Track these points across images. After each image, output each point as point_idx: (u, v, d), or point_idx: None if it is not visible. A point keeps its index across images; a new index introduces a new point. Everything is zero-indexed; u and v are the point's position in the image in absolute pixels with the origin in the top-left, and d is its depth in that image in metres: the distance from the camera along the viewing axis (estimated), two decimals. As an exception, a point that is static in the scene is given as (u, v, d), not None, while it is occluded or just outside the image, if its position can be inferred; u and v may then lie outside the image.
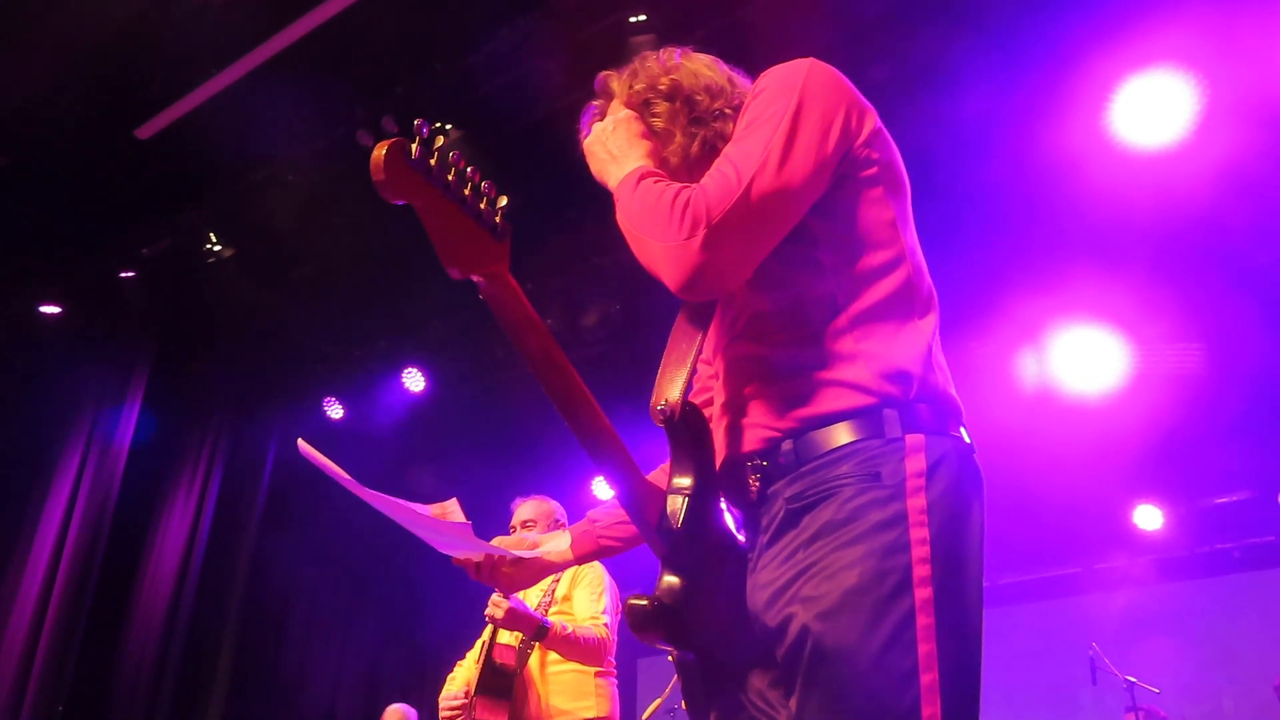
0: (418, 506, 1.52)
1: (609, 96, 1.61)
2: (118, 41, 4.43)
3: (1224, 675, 6.62)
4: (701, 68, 1.54)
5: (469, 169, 1.21)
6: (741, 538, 1.40)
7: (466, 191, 1.21)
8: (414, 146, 1.15)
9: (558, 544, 1.65)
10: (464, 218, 1.20)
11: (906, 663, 1.13)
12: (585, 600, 3.47)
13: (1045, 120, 4.58)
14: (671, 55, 1.57)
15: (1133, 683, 5.69)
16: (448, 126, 4.91)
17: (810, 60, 1.38)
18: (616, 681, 3.54)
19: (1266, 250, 5.08)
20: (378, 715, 5.96)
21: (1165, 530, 6.79)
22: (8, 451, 5.80)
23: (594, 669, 3.40)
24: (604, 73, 1.63)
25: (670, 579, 1.24)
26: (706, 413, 1.44)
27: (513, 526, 3.73)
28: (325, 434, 7.17)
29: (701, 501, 1.31)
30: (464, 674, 3.50)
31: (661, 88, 1.52)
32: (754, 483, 1.33)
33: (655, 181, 1.35)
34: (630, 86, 1.55)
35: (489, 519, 3.63)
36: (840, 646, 1.15)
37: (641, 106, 1.53)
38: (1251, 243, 5.02)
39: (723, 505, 1.38)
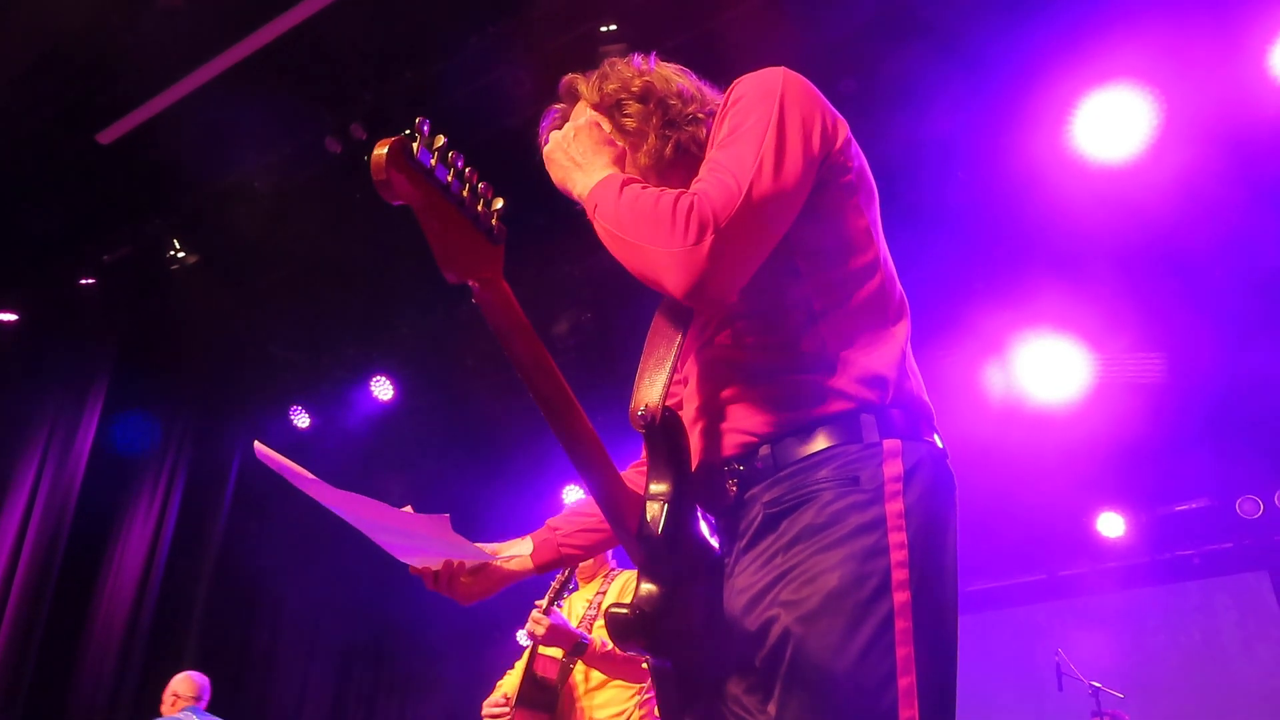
0: (387, 507, 1.47)
1: (574, 99, 1.60)
2: (79, 45, 4.36)
3: (1186, 679, 6.72)
4: (672, 73, 1.55)
5: (468, 169, 1.17)
6: (716, 544, 1.40)
7: (465, 193, 1.17)
8: (416, 145, 1.10)
9: (519, 549, 1.63)
10: (462, 220, 1.17)
11: (885, 665, 1.14)
12: None
13: (1008, 135, 4.65)
14: (644, 60, 1.57)
15: (1098, 688, 5.75)
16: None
17: (783, 69, 1.39)
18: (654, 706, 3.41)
19: (1223, 262, 5.18)
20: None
21: (1127, 537, 6.88)
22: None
23: (637, 686, 3.25)
24: (570, 76, 1.61)
25: (649, 586, 1.23)
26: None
27: None
28: (292, 442, 7.09)
29: (679, 508, 1.30)
30: (509, 683, 3.38)
31: (635, 89, 1.51)
32: (731, 487, 1.33)
33: (644, 188, 1.32)
34: (601, 88, 1.54)
35: (459, 527, 3.60)
36: (820, 649, 1.16)
37: (613, 108, 1.52)
38: (1210, 255, 5.12)
39: (699, 511, 1.38)
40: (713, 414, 1.38)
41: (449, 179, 1.14)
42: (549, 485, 6.98)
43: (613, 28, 4.23)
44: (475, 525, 3.83)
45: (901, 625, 1.15)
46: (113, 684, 5.99)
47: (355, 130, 4.85)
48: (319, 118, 4.87)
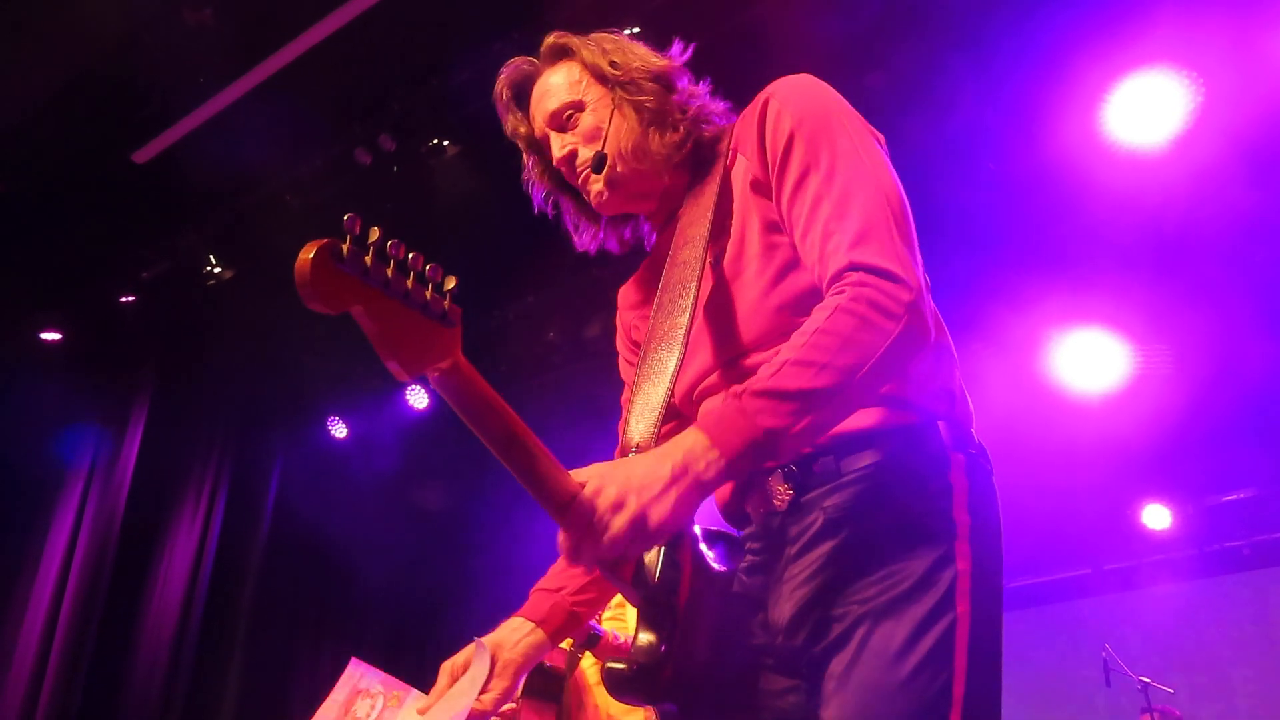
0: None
1: (556, 59, 1.53)
2: (111, 66, 4.44)
3: (1238, 674, 6.58)
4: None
5: (410, 256, 1.06)
6: (716, 564, 1.33)
7: (409, 283, 1.06)
8: (344, 246, 1.01)
9: (510, 636, 1.45)
10: (409, 313, 1.06)
11: (945, 674, 1.14)
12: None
13: (1040, 124, 4.58)
14: (636, 43, 1.54)
15: (1147, 683, 5.65)
16: (445, 143, 4.92)
17: (813, 78, 1.39)
18: None
19: (1268, 247, 5.07)
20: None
21: (1174, 529, 6.75)
22: (11, 480, 5.79)
23: None
24: (559, 34, 1.54)
25: (648, 637, 1.18)
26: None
27: None
28: (330, 453, 7.16)
29: (674, 546, 1.23)
30: None
31: (654, 69, 1.48)
32: (785, 491, 1.28)
33: (791, 352, 1.16)
34: (610, 57, 1.48)
35: (500, 534, 3.62)
36: (884, 651, 1.15)
37: (628, 83, 1.47)
38: (1254, 239, 5.01)
39: (697, 530, 1.31)
40: None
41: (388, 273, 1.04)
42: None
43: (636, 30, 4.23)
44: (517, 531, 3.84)
45: (960, 635, 1.16)
46: (161, 697, 6.08)
47: (384, 141, 4.89)
48: (348, 130, 4.92)
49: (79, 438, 6.12)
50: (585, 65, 1.49)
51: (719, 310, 1.39)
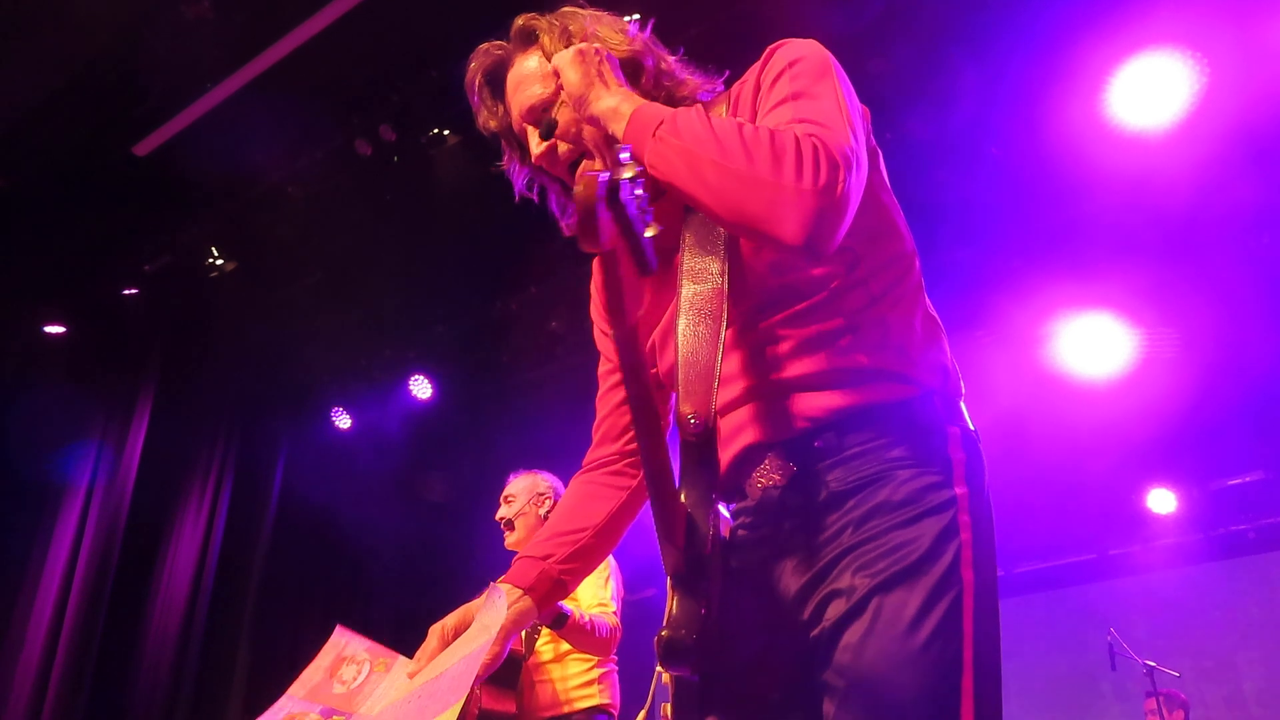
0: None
1: (526, 45, 1.46)
2: (112, 59, 4.43)
3: (1243, 657, 6.59)
4: (655, 48, 1.49)
5: (648, 198, 1.02)
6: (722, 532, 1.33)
7: (648, 225, 1.00)
8: (620, 180, 0.95)
9: (494, 605, 1.40)
10: (635, 259, 1.02)
11: (956, 641, 1.16)
12: (591, 586, 3.26)
13: (1042, 107, 4.56)
14: (609, 19, 1.48)
15: (1152, 667, 5.66)
16: (445, 132, 4.91)
17: (812, 41, 1.37)
18: (616, 672, 3.41)
19: (1271, 229, 5.05)
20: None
21: (1179, 513, 6.75)
22: (16, 473, 5.80)
23: (596, 659, 3.27)
24: (526, 17, 1.47)
25: (693, 605, 1.18)
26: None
27: (501, 499, 3.62)
28: (334, 444, 7.17)
29: (715, 515, 1.25)
30: None
31: (623, 54, 1.42)
32: (789, 466, 1.28)
33: (738, 122, 1.20)
34: (567, 40, 1.42)
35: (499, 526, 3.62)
36: (896, 620, 1.16)
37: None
38: (1259, 223, 4.99)
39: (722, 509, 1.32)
40: (764, 396, 1.32)
41: (640, 214, 0.99)
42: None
43: (635, 17, 4.21)
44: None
45: (967, 603, 1.18)
46: (169, 685, 6.10)
47: (384, 132, 4.88)
48: (348, 121, 4.91)
49: (83, 431, 6.13)
50: (547, 54, 1.43)
51: (741, 275, 1.36)
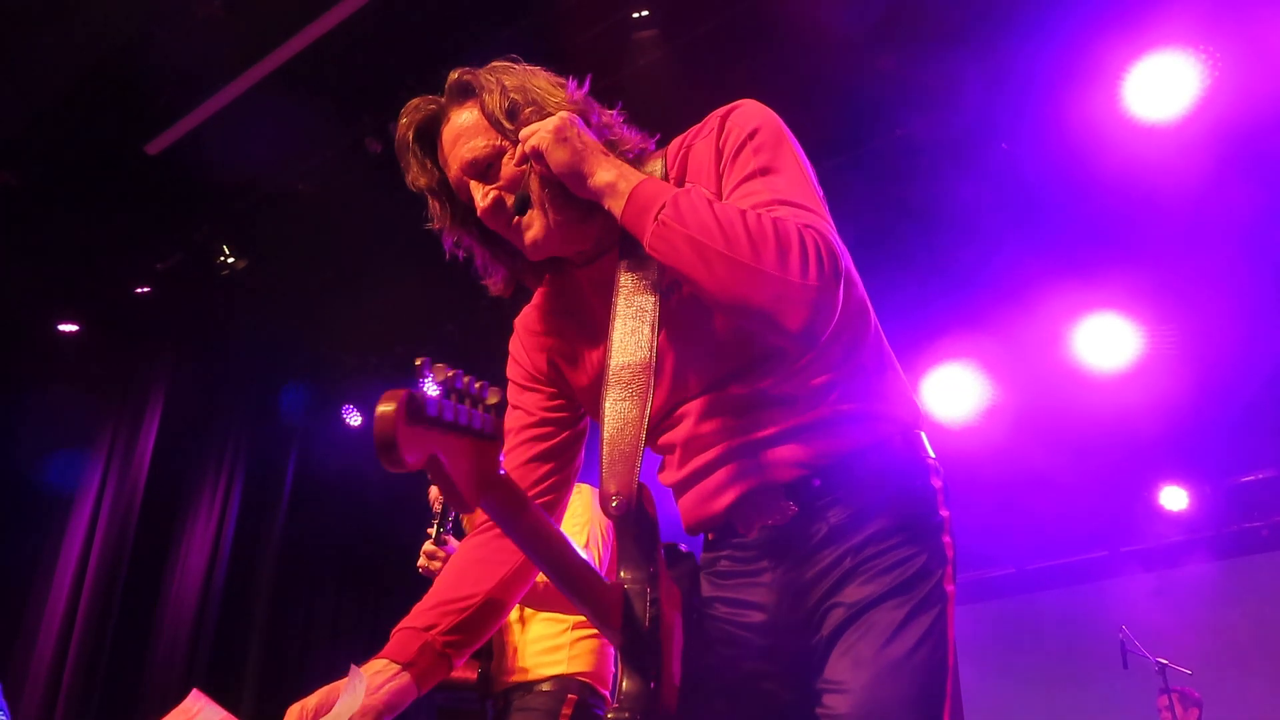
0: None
1: (461, 99, 1.44)
2: (123, 58, 4.45)
3: (1257, 654, 6.56)
4: (596, 104, 1.46)
5: (473, 384, 1.03)
6: (679, 583, 1.35)
7: (472, 412, 1.01)
8: (427, 396, 0.95)
9: (354, 691, 1.29)
10: (474, 444, 1.01)
11: (943, 649, 1.28)
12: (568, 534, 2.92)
13: (1057, 104, 4.54)
14: (552, 76, 1.45)
15: (1165, 665, 5.64)
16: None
17: (758, 104, 1.41)
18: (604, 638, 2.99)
19: (1283, 225, 5.02)
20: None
21: (1191, 510, 6.72)
22: (30, 470, 5.85)
23: (572, 619, 2.93)
24: (461, 71, 1.45)
25: (634, 680, 1.19)
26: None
27: None
28: (346, 442, 7.20)
29: (657, 588, 1.25)
30: None
31: (558, 112, 1.38)
32: (788, 506, 1.34)
33: (739, 208, 1.24)
34: (506, 98, 1.39)
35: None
36: (892, 632, 1.25)
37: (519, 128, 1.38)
38: (1271, 219, 4.96)
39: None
40: (750, 449, 1.34)
41: (459, 410, 0.98)
42: (596, 477, 6.98)
43: (644, 14, 4.21)
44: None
45: (950, 613, 1.30)
46: (181, 685, 6.14)
47: (395, 129, 4.89)
48: (359, 118, 4.92)
49: (95, 428, 6.17)
50: (483, 110, 1.41)
51: (684, 344, 1.38)
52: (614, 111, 1.47)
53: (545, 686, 2.88)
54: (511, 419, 1.58)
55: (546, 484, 1.52)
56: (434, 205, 1.53)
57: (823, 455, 1.33)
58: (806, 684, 1.31)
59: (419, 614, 1.40)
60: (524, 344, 1.61)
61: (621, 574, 1.26)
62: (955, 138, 4.61)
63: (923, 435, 1.41)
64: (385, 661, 1.34)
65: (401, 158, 1.52)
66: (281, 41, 4.41)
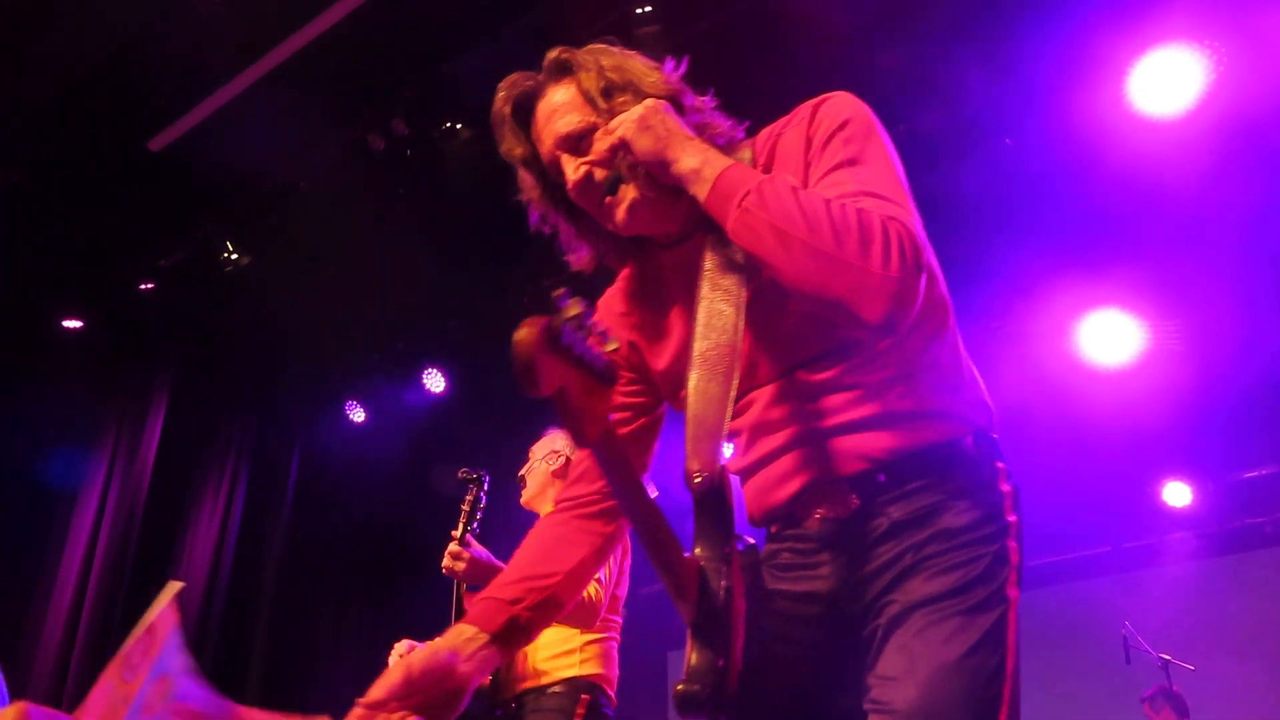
0: None
1: (559, 77, 1.47)
2: (125, 55, 4.45)
3: (1261, 651, 6.55)
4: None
5: (596, 323, 1.06)
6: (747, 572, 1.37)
7: (597, 351, 1.04)
8: (563, 325, 0.99)
9: (447, 644, 1.34)
10: (590, 382, 1.05)
11: (1000, 652, 1.25)
12: None
13: (1061, 99, 4.53)
14: (641, 58, 1.48)
15: (1168, 661, 5.64)
16: (458, 126, 4.92)
17: (851, 95, 1.41)
18: (616, 642, 3.14)
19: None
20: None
21: (1195, 506, 6.71)
22: (34, 467, 5.86)
23: (579, 631, 3.00)
24: (561, 49, 1.48)
25: (703, 655, 1.21)
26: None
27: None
28: (349, 437, 7.21)
29: (731, 566, 1.28)
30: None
31: (659, 91, 1.43)
32: (853, 500, 1.34)
33: (824, 197, 1.25)
34: (608, 79, 1.43)
35: (514, 519, 3.63)
36: (951, 629, 1.23)
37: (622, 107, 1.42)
38: (1273, 214, 4.95)
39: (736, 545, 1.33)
40: (817, 438, 1.36)
41: (589, 346, 1.03)
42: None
43: (648, 9, 4.20)
44: (529, 516, 3.86)
45: (1012, 618, 1.27)
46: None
47: (397, 126, 4.89)
48: (360, 115, 4.92)
49: (100, 425, 6.18)
50: (580, 89, 1.44)
51: (760, 329, 1.40)
52: (706, 97, 1.49)
53: (558, 688, 2.97)
54: None
55: None
56: (525, 177, 1.56)
57: (890, 451, 1.32)
58: (859, 677, 1.31)
59: (505, 585, 1.44)
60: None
61: (697, 550, 1.27)
62: (959, 132, 4.60)
63: (994, 439, 1.39)
64: (475, 630, 1.38)
65: (497, 129, 1.56)
66: (284, 38, 4.41)
